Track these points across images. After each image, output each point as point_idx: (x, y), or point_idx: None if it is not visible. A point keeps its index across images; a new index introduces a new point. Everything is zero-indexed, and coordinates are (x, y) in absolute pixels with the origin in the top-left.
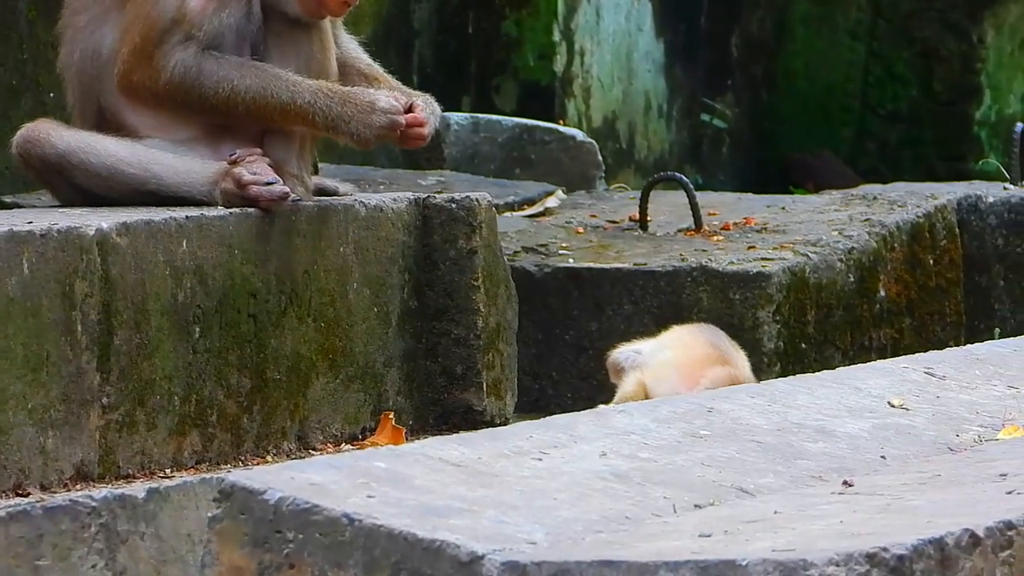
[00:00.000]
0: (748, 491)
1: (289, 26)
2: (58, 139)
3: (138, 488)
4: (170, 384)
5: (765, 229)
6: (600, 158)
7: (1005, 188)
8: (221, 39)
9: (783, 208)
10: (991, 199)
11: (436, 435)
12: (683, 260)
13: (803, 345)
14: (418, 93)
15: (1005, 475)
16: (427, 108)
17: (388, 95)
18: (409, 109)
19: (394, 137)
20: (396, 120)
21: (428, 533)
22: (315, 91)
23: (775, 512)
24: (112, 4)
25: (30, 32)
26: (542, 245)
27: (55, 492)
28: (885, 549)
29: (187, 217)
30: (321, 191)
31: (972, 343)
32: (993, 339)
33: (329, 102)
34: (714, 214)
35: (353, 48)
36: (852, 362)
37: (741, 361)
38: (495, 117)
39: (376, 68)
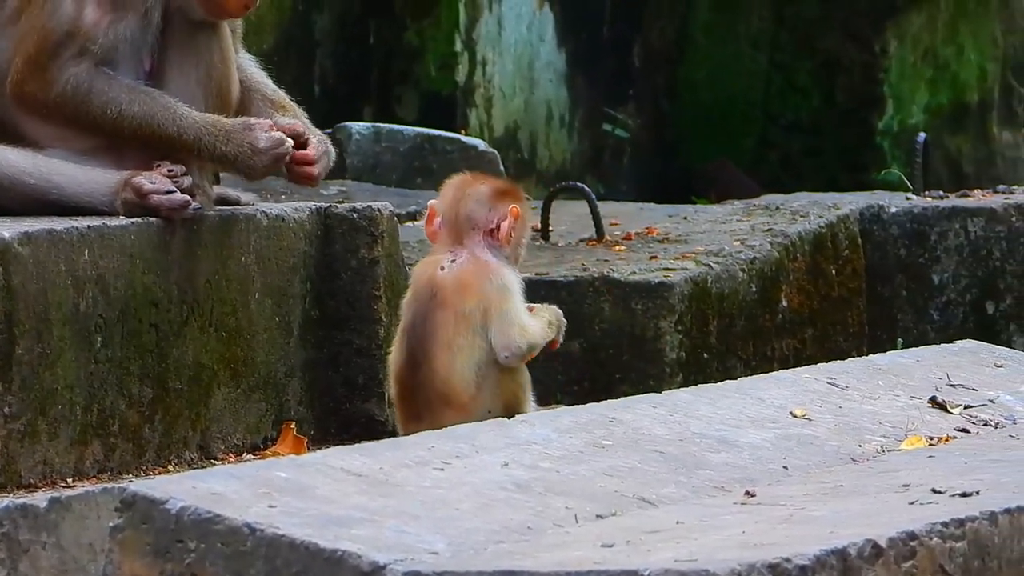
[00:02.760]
0: (650, 501)
1: (190, 34)
2: None
3: (40, 498)
4: (72, 394)
5: (667, 239)
6: (502, 168)
7: (908, 198)
8: (116, 52)
9: (685, 218)
10: (894, 209)
11: (338, 445)
12: (585, 270)
13: (705, 355)
14: (316, 131)
15: (908, 486)
16: (320, 148)
17: (268, 135)
18: (303, 146)
19: (282, 171)
20: (279, 153)
21: (330, 543)
22: (201, 128)
23: (677, 522)
24: (9, 18)
25: None
26: None
27: None
28: (787, 560)
29: (89, 227)
30: (223, 200)
31: (874, 353)
32: (896, 349)
33: (215, 140)
34: (616, 224)
35: (256, 71)
36: (754, 372)
37: None
38: (397, 127)
39: (282, 95)
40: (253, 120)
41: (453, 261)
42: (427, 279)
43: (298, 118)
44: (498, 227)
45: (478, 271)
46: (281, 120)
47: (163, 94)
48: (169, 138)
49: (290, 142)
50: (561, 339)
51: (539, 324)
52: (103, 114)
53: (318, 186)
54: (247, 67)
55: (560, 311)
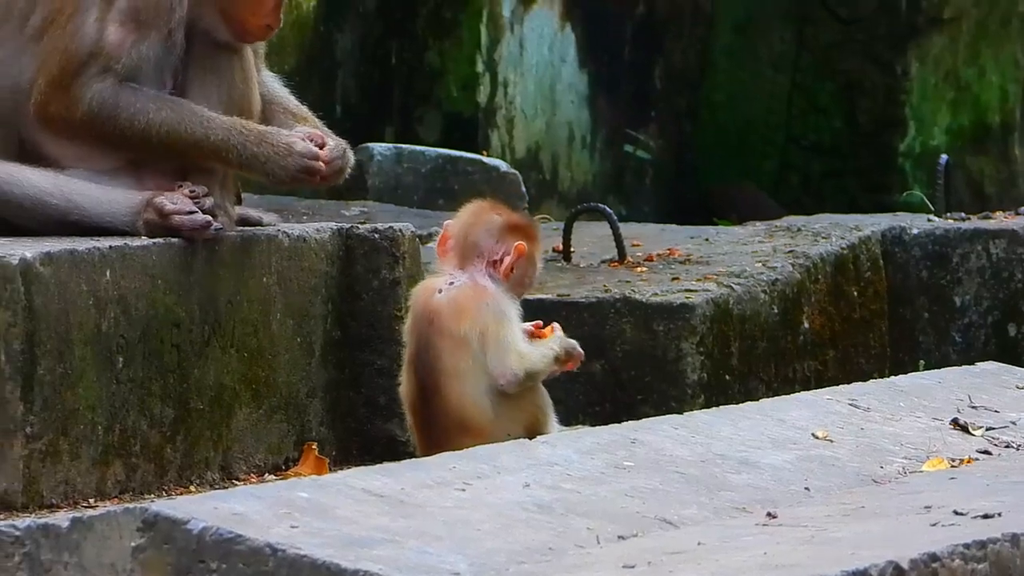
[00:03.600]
0: (672, 522)
1: (212, 55)
2: None
3: (62, 518)
4: (93, 414)
5: (689, 260)
6: (524, 189)
7: (929, 220)
8: (139, 71)
9: (707, 239)
10: (915, 231)
11: (359, 465)
12: (606, 291)
13: (727, 377)
14: (335, 138)
15: (929, 507)
16: (335, 151)
17: (305, 139)
18: (319, 147)
19: (311, 181)
20: (313, 165)
21: (351, 564)
22: (230, 128)
23: (699, 544)
24: (32, 36)
25: None
26: None
27: None
28: None
29: (110, 247)
30: (244, 221)
31: (896, 375)
32: (917, 371)
33: (244, 140)
34: (637, 245)
35: (278, 87)
36: (776, 394)
37: None
38: (418, 148)
39: (303, 109)
40: (287, 130)
41: (451, 284)
42: (423, 304)
43: (318, 129)
44: (501, 259)
45: (475, 295)
46: (300, 128)
47: (189, 102)
48: (197, 142)
49: (322, 159)
50: (577, 364)
51: (539, 352)
52: (131, 126)
53: (334, 183)
54: (268, 83)
55: (571, 342)
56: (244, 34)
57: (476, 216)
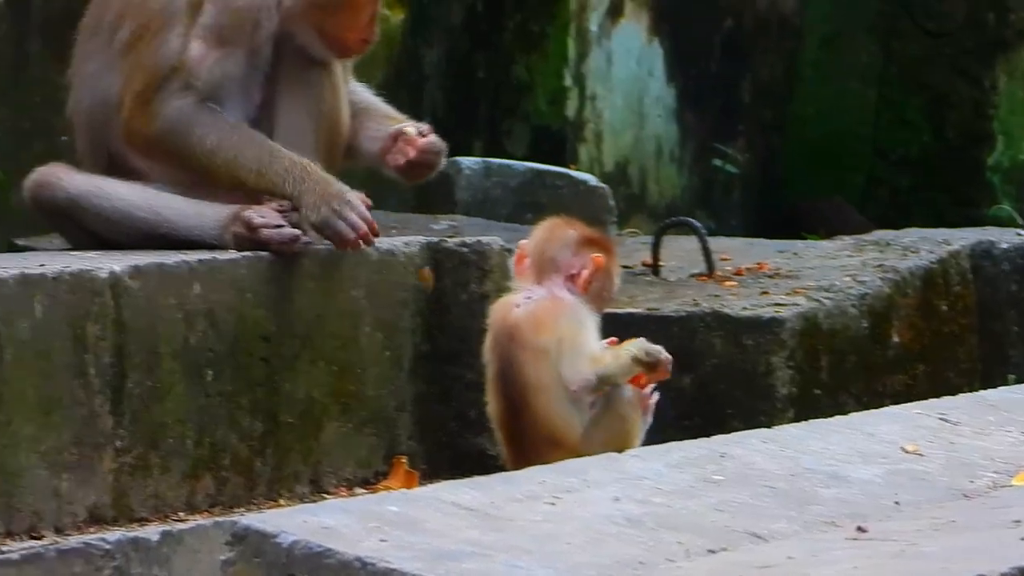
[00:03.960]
0: (761, 536)
1: (301, 70)
2: (69, 183)
3: (151, 531)
4: (183, 427)
5: (778, 274)
6: (612, 203)
7: (1018, 234)
8: (222, 88)
9: (795, 253)
10: (1004, 245)
11: (449, 479)
12: (696, 305)
13: (816, 391)
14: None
15: (1019, 521)
16: (437, 144)
17: (359, 197)
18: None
19: (350, 240)
20: (358, 222)
21: None
22: (290, 168)
23: (788, 557)
24: (119, 51)
25: (43, 76)
26: None
27: (69, 535)
28: None
29: (199, 260)
30: None
31: (986, 389)
32: (1007, 385)
33: (301, 181)
34: (726, 259)
35: (369, 96)
36: (865, 408)
37: None
38: (506, 162)
39: (397, 113)
40: (350, 194)
41: (528, 298)
42: (502, 320)
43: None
44: (579, 273)
45: (553, 307)
46: (408, 122)
47: (260, 135)
48: (256, 173)
49: (368, 220)
50: (669, 369)
51: (615, 357)
52: (199, 147)
53: (425, 178)
54: (359, 92)
55: (654, 347)
56: (342, 50)
57: (552, 232)
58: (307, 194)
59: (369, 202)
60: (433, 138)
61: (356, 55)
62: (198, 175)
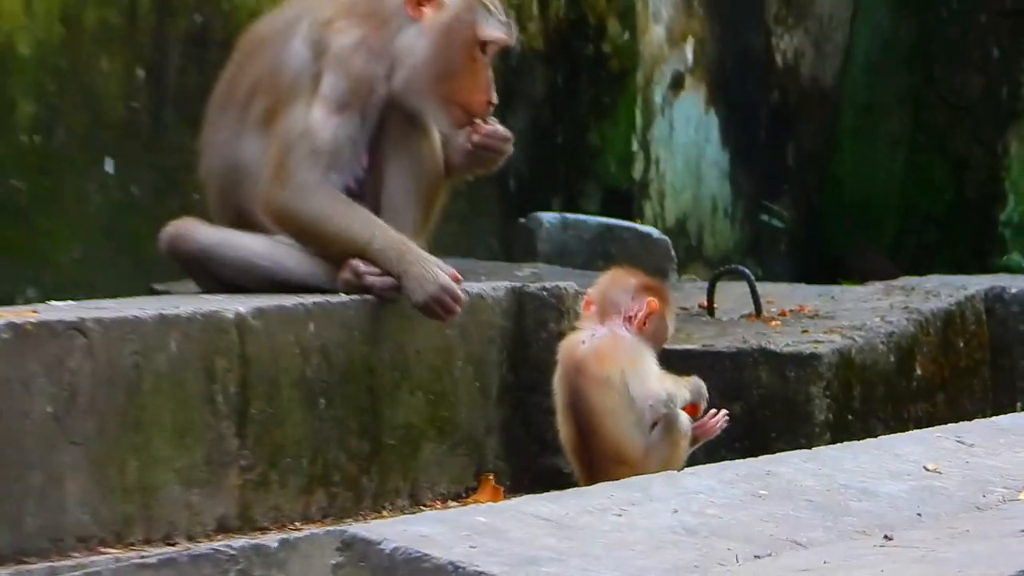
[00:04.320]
0: (801, 543)
1: (403, 131)
2: (200, 235)
3: (271, 539)
4: (299, 448)
5: (816, 316)
6: (673, 253)
7: None
8: (342, 150)
9: (832, 297)
10: (1014, 290)
11: (530, 494)
12: (745, 342)
13: (849, 417)
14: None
15: None
16: (504, 131)
17: (449, 274)
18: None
19: (439, 314)
20: (447, 301)
21: None
22: (390, 244)
23: (824, 562)
24: (251, 124)
25: (177, 142)
26: None
27: (199, 542)
28: None
29: (314, 303)
30: None
31: (997, 415)
32: (1016, 412)
33: (399, 257)
34: (772, 302)
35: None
36: (892, 432)
37: None
38: (581, 217)
39: None
40: (443, 275)
41: (593, 336)
42: (569, 355)
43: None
44: (636, 314)
45: (613, 343)
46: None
47: (367, 212)
48: (360, 245)
49: (456, 298)
50: (703, 405)
51: (675, 382)
52: (316, 216)
53: (495, 167)
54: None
55: (701, 383)
56: (467, 114)
57: (614, 279)
58: (407, 276)
59: (460, 278)
60: (499, 126)
61: (481, 117)
62: (315, 242)
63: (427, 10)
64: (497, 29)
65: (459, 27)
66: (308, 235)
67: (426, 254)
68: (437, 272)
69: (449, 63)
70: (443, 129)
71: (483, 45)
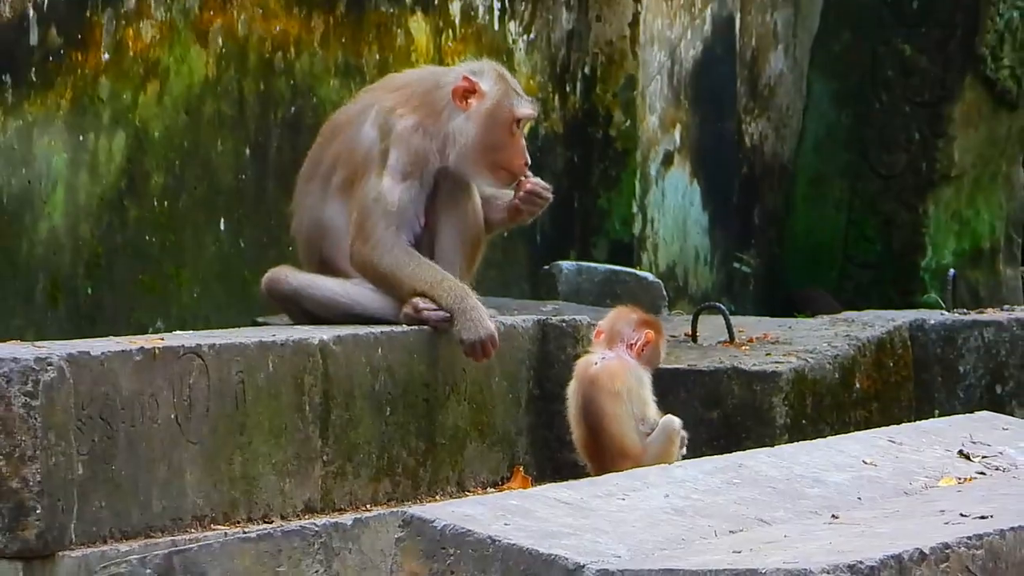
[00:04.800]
0: (766, 521)
1: (452, 194)
2: (292, 279)
3: (347, 518)
4: (369, 447)
5: (777, 342)
6: (664, 293)
7: (942, 314)
8: (406, 209)
9: (790, 327)
10: (932, 321)
11: (552, 482)
12: (721, 363)
13: (803, 421)
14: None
15: (943, 511)
16: (546, 189)
17: (489, 328)
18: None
19: (476, 356)
20: (487, 346)
21: (546, 549)
22: (451, 292)
23: (784, 536)
24: (333, 191)
25: (275, 206)
26: None
27: (290, 520)
28: (860, 562)
29: (381, 332)
30: None
31: (920, 420)
32: (934, 418)
33: (458, 303)
34: (743, 331)
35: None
36: (837, 434)
37: None
38: (593, 264)
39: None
40: (489, 321)
41: (603, 358)
42: (584, 371)
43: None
44: (636, 343)
45: (621, 365)
46: (532, 178)
47: (433, 264)
48: (426, 292)
49: (495, 345)
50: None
51: (664, 422)
52: (392, 267)
53: (533, 217)
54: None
55: (677, 425)
56: (511, 175)
57: (620, 314)
58: (460, 316)
59: (499, 326)
60: (540, 180)
61: (520, 178)
62: (390, 286)
63: (472, 101)
64: (528, 107)
65: (500, 111)
66: (385, 281)
67: (479, 303)
68: (486, 321)
69: (494, 138)
70: (494, 189)
71: (518, 121)
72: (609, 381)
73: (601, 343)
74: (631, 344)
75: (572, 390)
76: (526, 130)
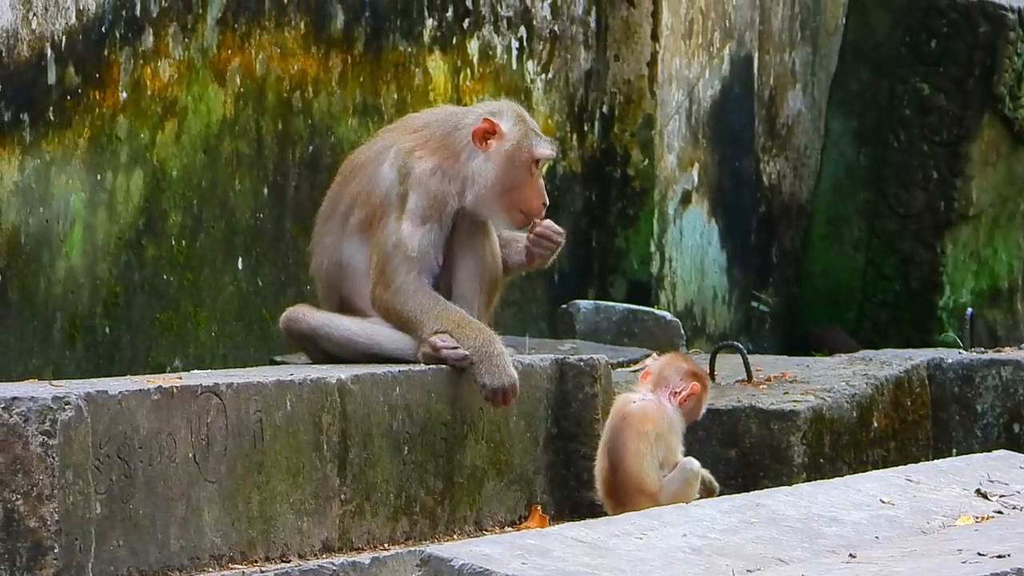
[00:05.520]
0: (784, 560)
1: (470, 235)
2: (310, 318)
3: (365, 557)
4: (387, 486)
5: (795, 380)
6: (682, 332)
7: (959, 353)
8: (425, 253)
9: (807, 366)
10: (950, 360)
11: (569, 521)
12: (739, 401)
13: (821, 460)
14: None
15: (961, 550)
16: (559, 234)
17: (512, 376)
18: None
19: (495, 401)
20: (508, 391)
21: None
22: (476, 336)
23: (802, 575)
24: (350, 230)
25: (294, 245)
26: None
27: (308, 560)
28: None
29: (399, 371)
30: None
31: (938, 459)
32: (952, 457)
33: (482, 348)
34: (760, 370)
35: (512, 233)
36: (855, 472)
37: None
38: (611, 303)
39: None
40: (512, 367)
41: (642, 399)
42: (620, 408)
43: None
44: (680, 392)
45: (657, 409)
46: (548, 222)
47: (456, 307)
48: (447, 332)
49: (515, 393)
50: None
51: (686, 465)
52: (415, 311)
53: (547, 263)
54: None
55: (696, 465)
56: (528, 216)
57: (672, 360)
58: (485, 360)
59: (517, 365)
60: (553, 223)
61: (538, 217)
62: (413, 328)
63: (492, 142)
64: (546, 148)
65: (519, 152)
66: (409, 325)
67: (503, 348)
68: (510, 368)
69: (513, 179)
70: (511, 229)
71: (537, 162)
72: (640, 421)
73: (647, 385)
74: (675, 392)
75: (606, 425)
76: (544, 170)
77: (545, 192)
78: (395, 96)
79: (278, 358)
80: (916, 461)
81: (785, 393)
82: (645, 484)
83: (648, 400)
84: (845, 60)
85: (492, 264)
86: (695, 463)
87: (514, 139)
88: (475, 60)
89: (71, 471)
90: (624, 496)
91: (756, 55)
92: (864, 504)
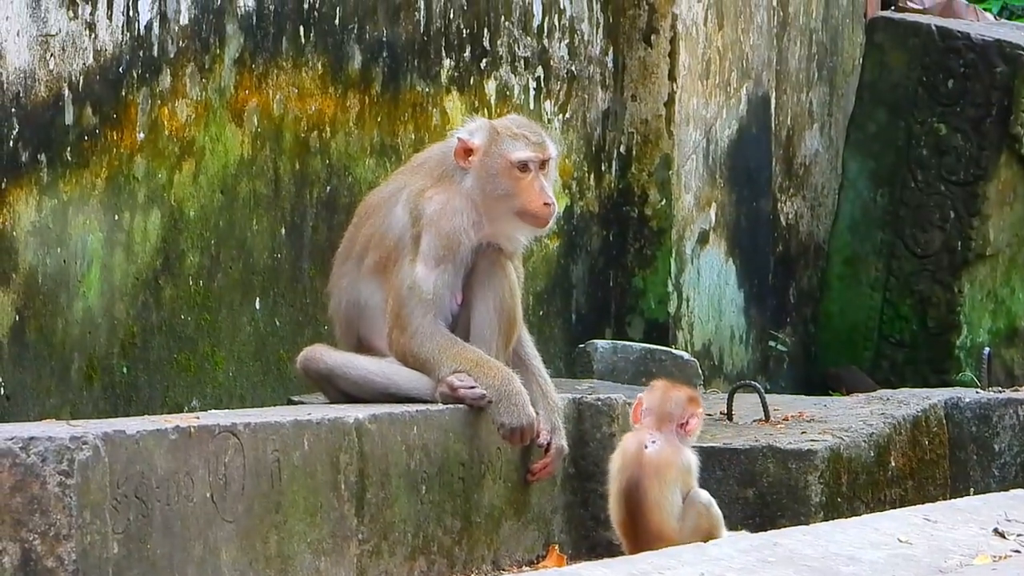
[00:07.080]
0: None
1: (488, 275)
2: (328, 358)
3: None
4: (405, 525)
5: (812, 420)
6: (700, 371)
7: (977, 392)
8: (441, 295)
9: (825, 406)
10: (967, 399)
11: (587, 561)
12: (756, 441)
13: (838, 499)
14: (559, 428)
15: None
16: (556, 450)
17: (531, 415)
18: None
19: (513, 441)
20: (527, 432)
21: None
22: (496, 375)
23: None
24: (365, 271)
25: (311, 285)
26: None
27: None
28: None
29: (417, 410)
30: None
31: (955, 498)
32: (969, 496)
33: (501, 387)
34: (777, 410)
35: (532, 350)
36: (872, 511)
37: None
38: (628, 343)
39: (547, 381)
40: (530, 407)
41: (654, 442)
42: (635, 453)
43: (550, 408)
44: (687, 422)
45: (675, 453)
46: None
47: (475, 349)
48: (469, 373)
49: (533, 432)
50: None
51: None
52: (433, 353)
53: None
54: (526, 344)
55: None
56: (536, 221)
57: (667, 392)
58: (503, 400)
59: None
60: (557, 443)
61: (548, 219)
62: (431, 369)
63: (472, 159)
64: (523, 150)
65: (492, 159)
66: (427, 366)
67: (522, 387)
68: (528, 407)
69: (499, 187)
70: (529, 237)
71: (521, 165)
72: (662, 469)
73: (650, 424)
74: (682, 424)
75: (617, 467)
76: (554, 172)
77: (547, 192)
78: (412, 136)
79: (295, 398)
80: (934, 500)
81: (803, 432)
82: (666, 531)
83: (662, 444)
84: (862, 100)
85: (511, 303)
86: (701, 494)
87: (483, 147)
88: (492, 100)
89: (88, 511)
90: (643, 541)
91: (773, 95)
92: (882, 543)
